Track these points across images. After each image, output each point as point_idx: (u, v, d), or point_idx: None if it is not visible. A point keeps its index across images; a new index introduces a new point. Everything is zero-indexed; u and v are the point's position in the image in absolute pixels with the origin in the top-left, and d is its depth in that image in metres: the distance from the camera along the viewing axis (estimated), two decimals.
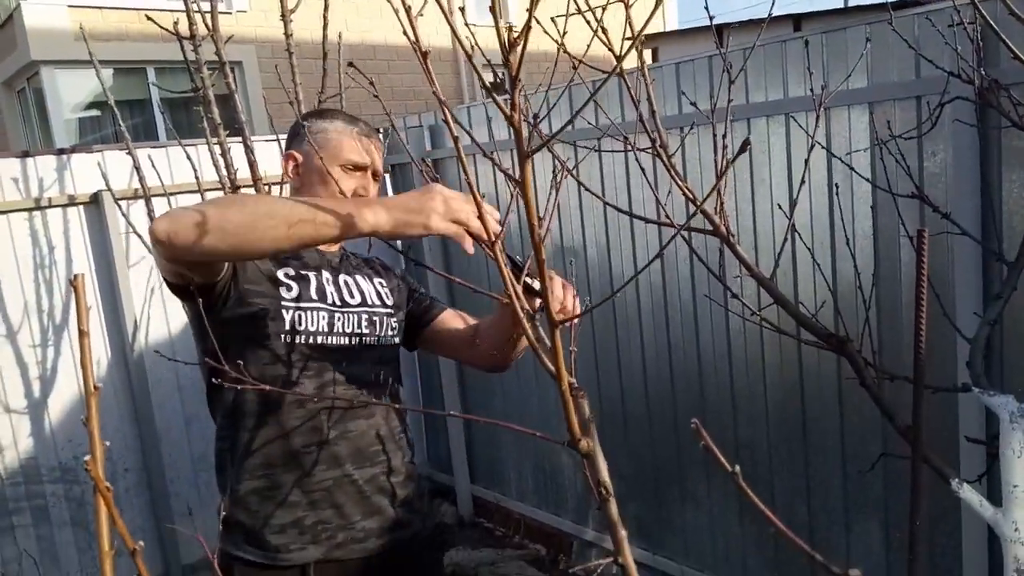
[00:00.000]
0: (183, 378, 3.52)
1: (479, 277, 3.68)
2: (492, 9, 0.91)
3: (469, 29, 1.11)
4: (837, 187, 2.24)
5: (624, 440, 3.19)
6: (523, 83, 0.93)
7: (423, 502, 1.66)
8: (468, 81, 10.14)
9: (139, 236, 3.22)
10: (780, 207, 2.26)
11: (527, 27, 0.90)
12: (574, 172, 2.44)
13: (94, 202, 3.25)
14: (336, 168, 1.49)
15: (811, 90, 1.78)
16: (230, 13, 8.54)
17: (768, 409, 2.68)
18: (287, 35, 2.79)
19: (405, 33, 0.99)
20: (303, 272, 1.49)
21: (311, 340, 1.45)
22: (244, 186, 2.96)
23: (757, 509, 0.65)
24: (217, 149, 2.77)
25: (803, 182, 1.55)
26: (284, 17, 2.77)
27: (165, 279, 1.35)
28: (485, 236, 1.23)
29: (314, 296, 1.47)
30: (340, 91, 2.94)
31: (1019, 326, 1.99)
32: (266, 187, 2.83)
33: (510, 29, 0.97)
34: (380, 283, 1.64)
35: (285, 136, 1.61)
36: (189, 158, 3.12)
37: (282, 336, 1.42)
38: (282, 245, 1.17)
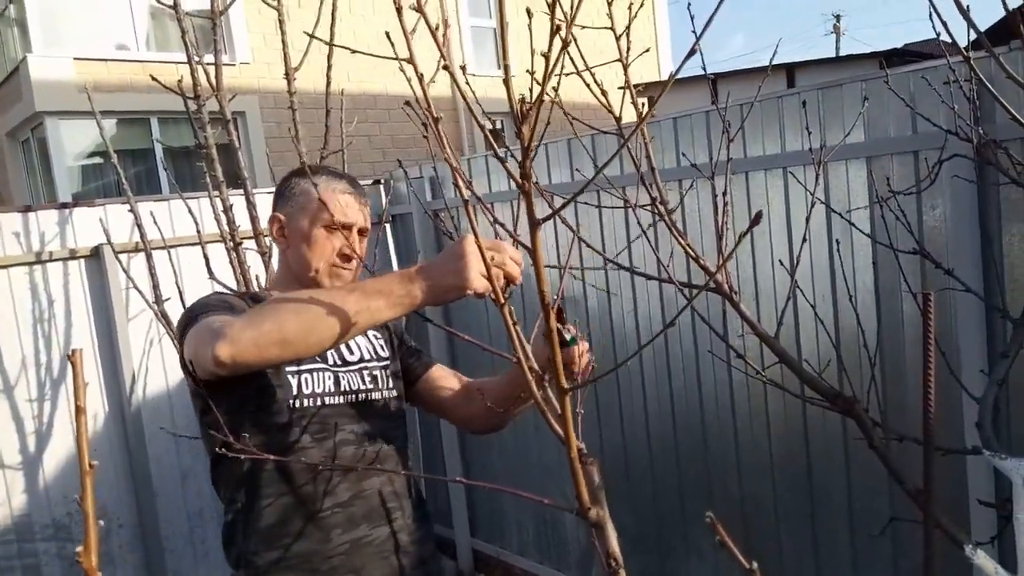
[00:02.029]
0: (180, 430, 3.48)
1: (479, 329, 3.67)
2: (506, 82, 0.92)
3: (468, 85, 1.11)
4: (838, 243, 2.25)
5: (627, 491, 3.14)
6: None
7: (436, 563, 1.63)
8: (468, 130, 10.27)
9: (139, 291, 3.21)
10: (782, 263, 2.26)
11: (539, 100, 0.91)
12: (576, 230, 2.45)
13: (95, 256, 3.25)
14: (320, 229, 1.48)
15: (810, 148, 1.79)
16: (233, 65, 8.68)
17: (773, 461, 2.65)
18: (290, 93, 2.83)
19: (417, 100, 1.00)
20: None
21: (318, 402, 1.44)
22: (245, 238, 2.97)
23: None
24: (219, 204, 2.78)
25: (805, 240, 1.56)
26: (288, 75, 2.82)
27: (192, 375, 1.31)
28: (517, 282, 1.23)
29: (316, 357, 1.46)
30: (342, 146, 2.97)
31: None
32: (268, 239, 2.84)
33: (523, 101, 0.98)
34: (374, 335, 1.62)
35: None
36: (191, 212, 3.13)
37: (289, 401, 1.41)
38: (341, 341, 1.20)
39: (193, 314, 1.34)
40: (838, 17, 22.42)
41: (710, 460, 2.84)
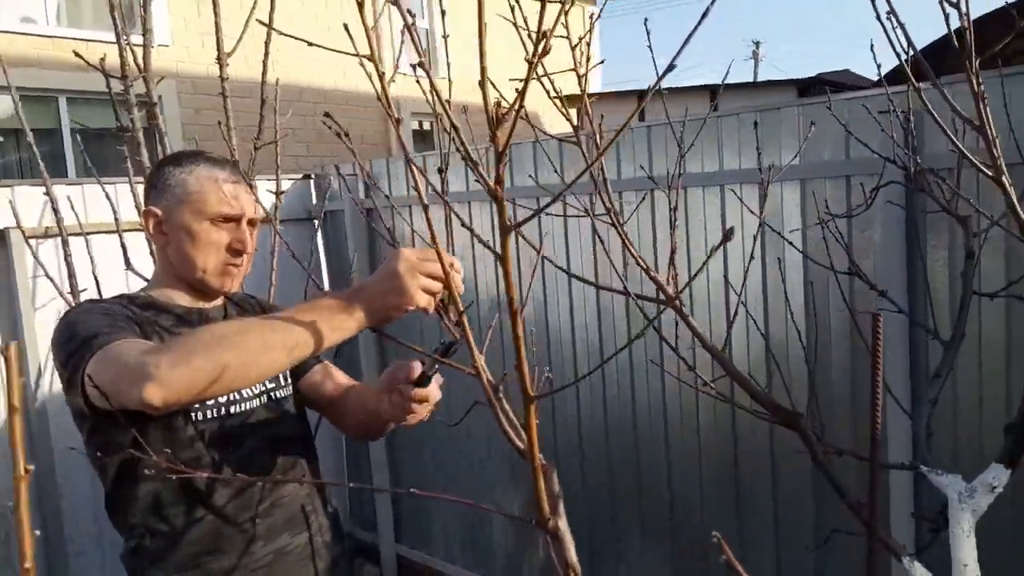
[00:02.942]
0: None
1: (411, 334, 3.61)
2: (482, 84, 0.90)
3: (433, 86, 1.08)
4: (779, 260, 2.31)
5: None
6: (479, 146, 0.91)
7: (347, 562, 1.61)
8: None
9: (51, 279, 3.01)
10: (727, 279, 2.32)
11: (519, 105, 0.89)
12: (540, 241, 2.44)
13: (0, 240, 3.04)
14: (204, 223, 1.37)
15: (759, 168, 1.84)
16: (151, 47, 8.29)
17: (702, 471, 2.71)
18: (222, 79, 2.72)
19: (378, 97, 0.97)
20: None
21: (222, 411, 1.36)
22: None
23: None
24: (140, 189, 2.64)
25: (752, 257, 1.60)
26: (220, 61, 2.71)
27: (86, 400, 1.18)
28: (459, 292, 1.20)
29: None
30: (276, 138, 2.87)
31: (942, 403, 2.08)
32: None
33: (499, 104, 0.96)
34: None
35: None
36: (109, 197, 2.97)
37: (193, 414, 1.32)
38: (282, 369, 1.14)
39: (81, 337, 1.20)
40: (757, 44, 23.34)
41: (642, 468, 2.88)
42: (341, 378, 1.62)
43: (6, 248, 3.03)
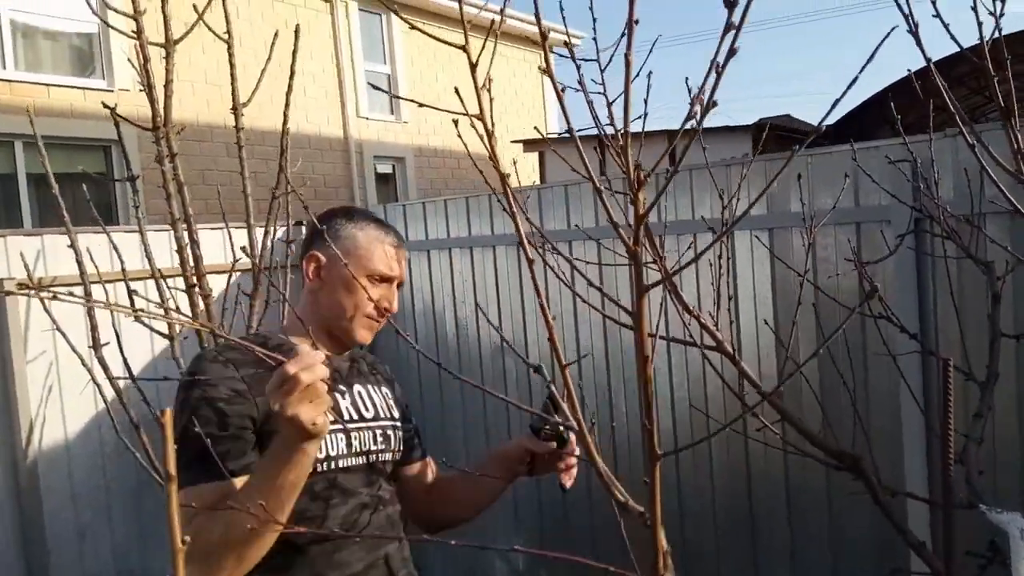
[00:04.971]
0: (78, 485, 3.17)
1: (456, 414, 3.60)
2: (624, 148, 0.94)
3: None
4: (814, 307, 2.37)
5: (564, 539, 3.16)
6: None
7: None
8: (358, 172, 10.14)
9: (62, 333, 2.90)
10: (767, 323, 2.40)
11: (674, 171, 0.94)
12: (571, 282, 2.47)
13: None
14: (364, 278, 1.43)
15: (793, 214, 1.92)
16: (112, 91, 8.19)
17: (715, 509, 2.76)
18: (237, 129, 2.72)
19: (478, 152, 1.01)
20: None
21: (331, 465, 1.36)
22: (171, 276, 2.82)
23: None
24: (154, 239, 2.61)
25: (799, 303, 1.66)
26: (235, 110, 2.72)
27: None
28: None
29: (329, 415, 1.38)
30: (286, 189, 2.87)
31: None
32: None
33: (639, 167, 1.01)
34: (387, 393, 1.56)
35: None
36: (115, 247, 2.92)
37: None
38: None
39: (186, 444, 1.21)
40: (701, 88, 24.13)
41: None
42: (434, 472, 1.66)
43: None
